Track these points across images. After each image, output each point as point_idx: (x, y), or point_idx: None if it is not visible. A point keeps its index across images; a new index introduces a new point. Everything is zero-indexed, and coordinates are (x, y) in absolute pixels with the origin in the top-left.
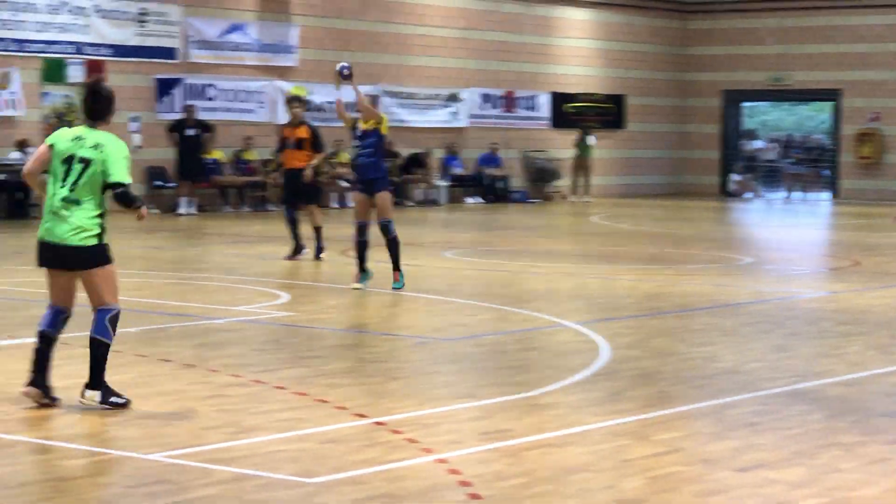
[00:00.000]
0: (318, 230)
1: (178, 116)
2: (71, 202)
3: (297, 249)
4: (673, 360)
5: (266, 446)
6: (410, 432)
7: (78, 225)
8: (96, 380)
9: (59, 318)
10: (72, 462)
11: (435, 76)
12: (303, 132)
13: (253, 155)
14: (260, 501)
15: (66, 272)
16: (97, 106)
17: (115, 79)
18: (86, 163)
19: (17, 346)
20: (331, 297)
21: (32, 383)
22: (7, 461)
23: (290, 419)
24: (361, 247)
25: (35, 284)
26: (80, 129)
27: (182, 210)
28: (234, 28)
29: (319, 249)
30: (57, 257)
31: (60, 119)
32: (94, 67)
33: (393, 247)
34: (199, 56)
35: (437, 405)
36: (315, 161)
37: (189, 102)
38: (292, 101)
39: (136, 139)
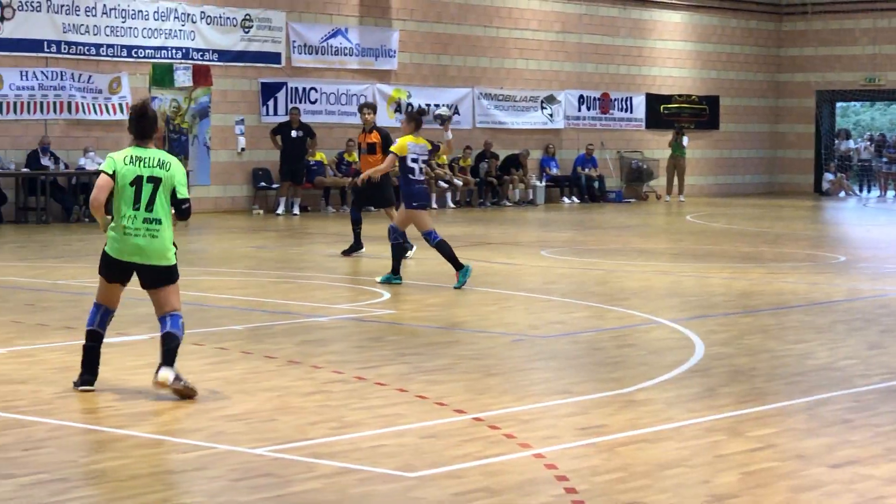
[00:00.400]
0: None
1: (281, 119)
2: (154, 221)
3: (354, 248)
4: (767, 356)
5: (367, 441)
6: (508, 428)
7: (166, 244)
8: (171, 361)
9: (107, 317)
10: (179, 456)
11: (532, 79)
12: (374, 137)
13: (354, 157)
14: (361, 495)
15: (125, 284)
16: (146, 126)
17: (221, 83)
18: (156, 181)
19: (128, 343)
20: (430, 296)
21: (86, 383)
22: (116, 454)
23: (390, 415)
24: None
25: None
26: (131, 150)
27: (282, 210)
28: (336, 33)
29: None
30: (129, 273)
31: (168, 122)
32: (201, 72)
33: (439, 251)
34: (302, 60)
35: (534, 401)
36: (382, 165)
37: (294, 105)
38: (363, 107)
39: (241, 141)
